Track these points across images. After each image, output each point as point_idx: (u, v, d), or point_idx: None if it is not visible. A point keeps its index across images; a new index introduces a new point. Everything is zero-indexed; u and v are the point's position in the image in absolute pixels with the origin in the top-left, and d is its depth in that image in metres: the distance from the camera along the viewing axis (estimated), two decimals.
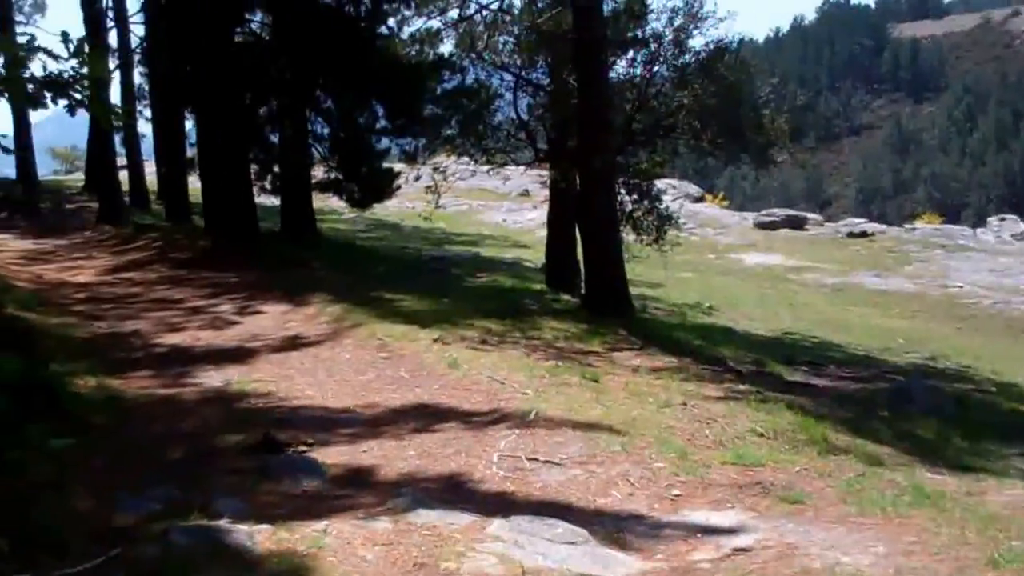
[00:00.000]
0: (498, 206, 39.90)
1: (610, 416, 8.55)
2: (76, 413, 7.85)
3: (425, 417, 8.44)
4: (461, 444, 7.67)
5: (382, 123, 21.72)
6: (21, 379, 7.59)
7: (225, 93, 19.04)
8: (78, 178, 38.03)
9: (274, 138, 21.72)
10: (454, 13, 19.42)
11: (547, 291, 18.82)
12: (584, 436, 7.85)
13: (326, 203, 25.99)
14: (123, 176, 28.64)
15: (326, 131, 21.55)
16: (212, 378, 9.87)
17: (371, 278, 16.97)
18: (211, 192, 21.12)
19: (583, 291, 16.34)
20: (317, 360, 10.66)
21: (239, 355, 10.89)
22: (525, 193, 41.23)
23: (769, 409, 9.24)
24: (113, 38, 29.70)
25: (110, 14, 29.08)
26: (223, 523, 5.46)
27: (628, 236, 18.62)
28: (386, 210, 32.10)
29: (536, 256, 24.80)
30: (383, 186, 21.52)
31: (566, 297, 17.83)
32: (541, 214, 27.88)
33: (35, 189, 30.35)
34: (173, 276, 16.49)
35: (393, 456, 7.41)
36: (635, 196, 19.28)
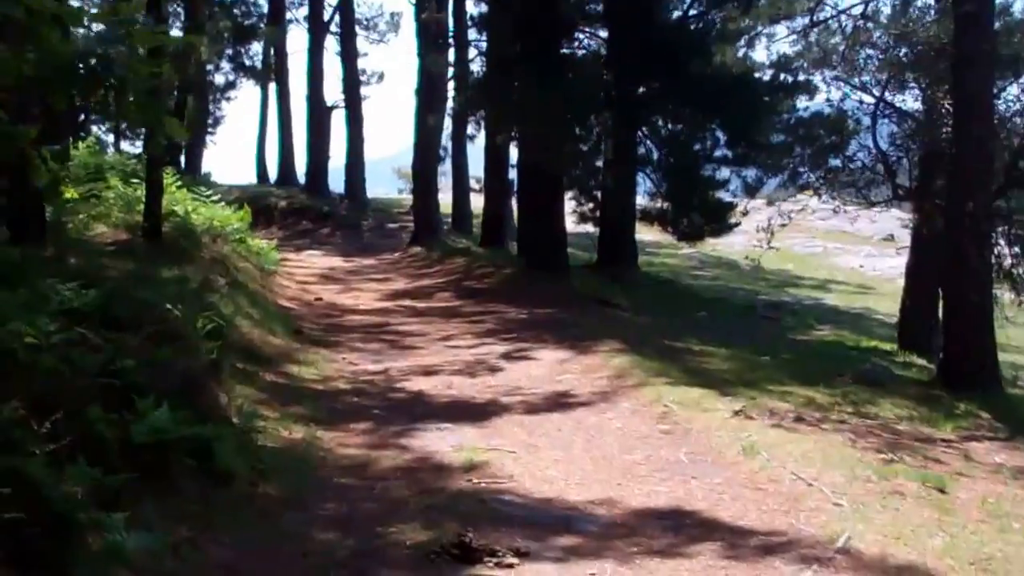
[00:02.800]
0: (856, 250, 36.03)
1: (955, 551, 5.77)
2: (228, 475, 6.04)
3: (683, 529, 5.96)
4: None
5: (721, 151, 19.39)
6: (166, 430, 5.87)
7: (547, 110, 17.32)
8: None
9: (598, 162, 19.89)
10: (804, 20, 16.64)
11: (897, 353, 15.67)
12: None
13: (664, 236, 23.78)
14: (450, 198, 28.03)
15: (655, 156, 19.46)
16: (440, 440, 7.87)
17: (682, 324, 14.59)
18: (525, 217, 19.59)
19: (940, 358, 13.10)
20: (578, 427, 8.42)
21: (486, 412, 8.85)
22: (890, 238, 37.22)
23: None
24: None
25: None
26: None
27: (1004, 294, 15.06)
28: (730, 247, 29.53)
29: (891, 308, 21.39)
30: (716, 220, 19.10)
31: (919, 362, 14.64)
32: (903, 261, 24.36)
33: (361, 206, 30.26)
34: (455, 307, 14.89)
35: None
36: (1016, 249, 15.66)
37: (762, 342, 14.17)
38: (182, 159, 40.19)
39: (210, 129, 44.00)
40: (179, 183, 17.70)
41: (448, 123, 26.51)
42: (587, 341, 11.89)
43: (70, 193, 14.76)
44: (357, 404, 9.11)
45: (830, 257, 34.38)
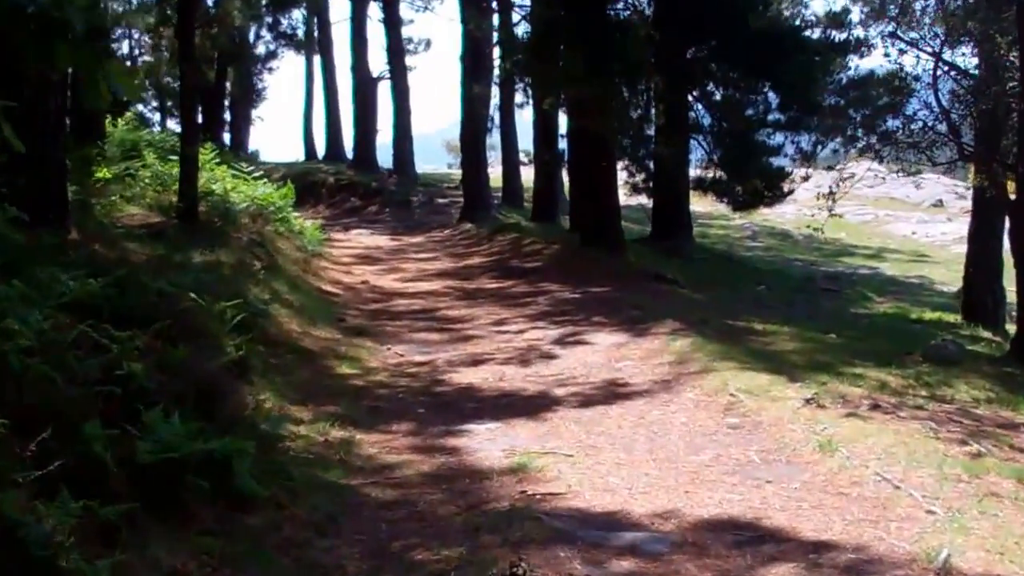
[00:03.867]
0: (907, 217, 34.83)
1: None
2: (249, 498, 5.43)
3: (761, 546, 5.24)
4: None
5: (773, 116, 18.43)
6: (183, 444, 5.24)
7: (595, 72, 16.48)
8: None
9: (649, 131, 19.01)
10: None
11: (962, 325, 14.79)
12: None
13: (714, 207, 22.88)
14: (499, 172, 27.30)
15: (707, 122, 18.56)
16: (490, 442, 7.23)
17: (743, 301, 13.84)
18: (576, 189, 18.82)
19: (1016, 333, 12.17)
20: (640, 423, 7.72)
21: (539, 407, 8.18)
22: (939, 204, 36.00)
23: None
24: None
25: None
26: None
27: None
28: (782, 217, 28.58)
29: (948, 277, 20.44)
30: (772, 188, 18.18)
31: (986, 335, 13.78)
32: (957, 227, 23.40)
33: (410, 181, 29.58)
34: (505, 288, 14.20)
35: None
36: None
37: (824, 318, 13.41)
38: (226, 136, 40.04)
39: (256, 103, 43.61)
40: (218, 160, 17.17)
41: (496, 93, 25.79)
42: (645, 322, 11.17)
43: (102, 173, 14.27)
44: (400, 401, 8.49)
45: (882, 225, 33.22)
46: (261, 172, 21.78)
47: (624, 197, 19.27)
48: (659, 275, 14.73)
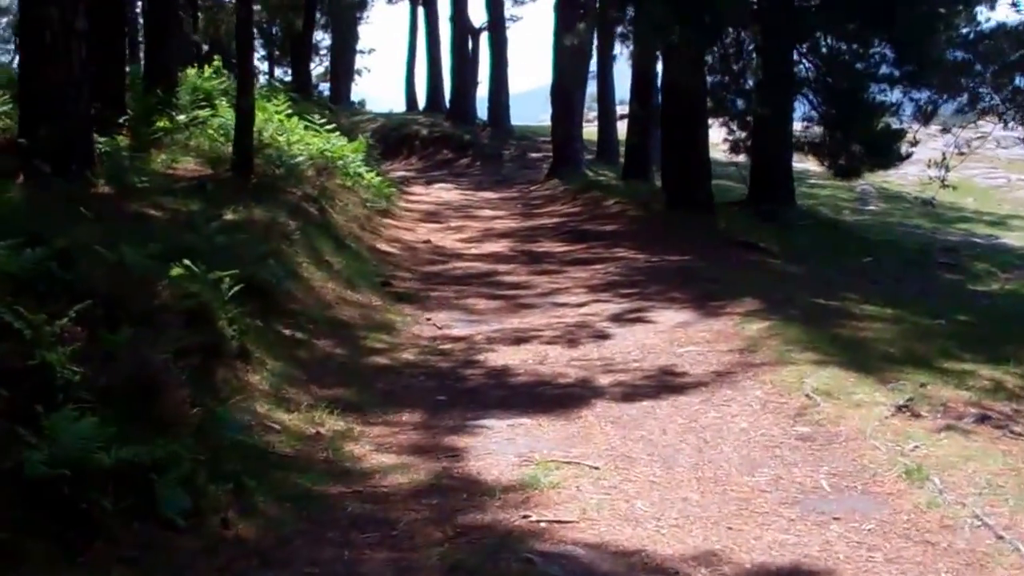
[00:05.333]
0: None
1: None
2: (174, 518, 4.42)
3: None
4: None
5: (888, 70, 16.72)
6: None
7: (684, 24, 15.08)
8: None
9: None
10: None
11: None
12: None
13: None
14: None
15: (812, 76, 16.95)
16: (506, 443, 6.11)
17: (843, 275, 12.38)
18: (667, 146, 17.44)
19: None
20: (690, 427, 6.49)
21: (575, 400, 7.01)
22: None
23: None
24: None
25: None
26: None
27: None
28: (903, 179, 26.56)
29: None
30: (882, 151, 16.53)
31: None
32: None
33: (504, 134, 28.49)
34: (576, 252, 13.01)
35: None
36: None
37: (936, 297, 11.88)
38: (325, 87, 39.46)
39: (357, 54, 42.95)
40: (289, 110, 16.33)
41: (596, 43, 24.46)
42: (720, 298, 9.87)
43: (163, 123, 13.55)
44: (421, 386, 7.43)
45: (1015, 191, 30.77)
46: (345, 123, 20.96)
47: (722, 156, 17.89)
48: (748, 243, 13.38)
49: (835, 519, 5.09)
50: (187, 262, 6.81)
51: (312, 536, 4.78)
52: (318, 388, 6.96)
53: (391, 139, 31.04)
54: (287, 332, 7.89)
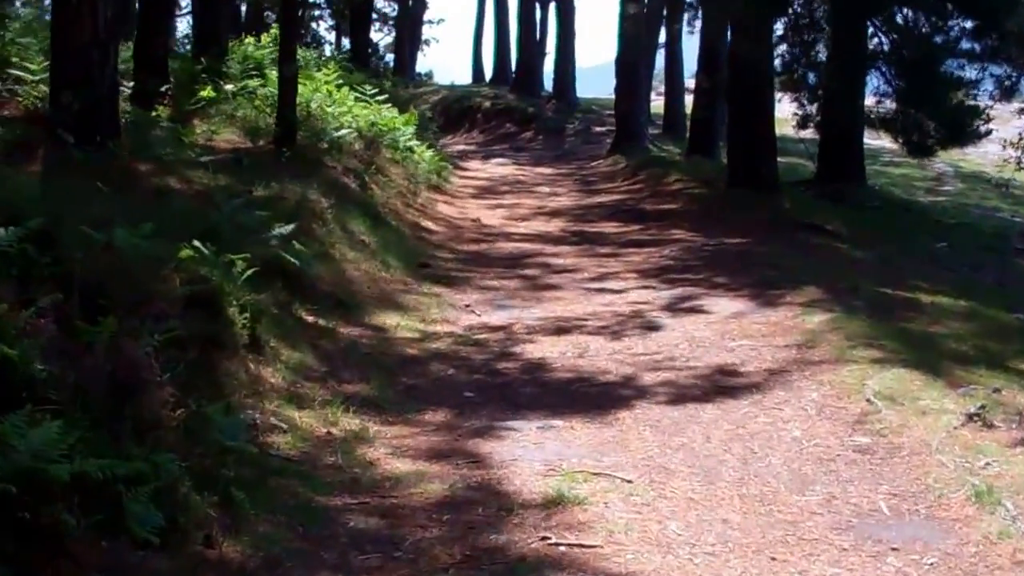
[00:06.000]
0: None
1: None
2: (148, 537, 3.96)
3: None
4: None
5: (966, 44, 15.83)
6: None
7: None
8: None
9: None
10: None
11: None
12: None
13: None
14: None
15: (885, 49, 16.11)
16: (533, 449, 5.58)
17: (914, 262, 11.61)
18: (732, 122, 16.72)
19: None
20: (737, 434, 5.90)
21: (614, 401, 6.45)
22: None
23: None
24: None
25: None
26: None
27: None
28: (983, 158, 25.45)
29: None
30: (957, 129, 15.65)
31: None
32: None
33: (569, 107, 27.81)
34: (630, 233, 12.40)
35: None
36: None
37: (1014, 288, 11.09)
38: (390, 57, 39.01)
39: (423, 23, 42.39)
40: (340, 80, 15.86)
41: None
42: (779, 287, 9.22)
43: (205, 92, 13.15)
44: (449, 380, 6.92)
45: None
46: (403, 94, 20.43)
47: (792, 132, 17.12)
48: (813, 225, 12.64)
49: (893, 549, 4.51)
50: (196, 243, 6.36)
51: (305, 557, 4.31)
52: (336, 383, 6.48)
53: (452, 111, 30.54)
54: (310, 319, 7.43)
